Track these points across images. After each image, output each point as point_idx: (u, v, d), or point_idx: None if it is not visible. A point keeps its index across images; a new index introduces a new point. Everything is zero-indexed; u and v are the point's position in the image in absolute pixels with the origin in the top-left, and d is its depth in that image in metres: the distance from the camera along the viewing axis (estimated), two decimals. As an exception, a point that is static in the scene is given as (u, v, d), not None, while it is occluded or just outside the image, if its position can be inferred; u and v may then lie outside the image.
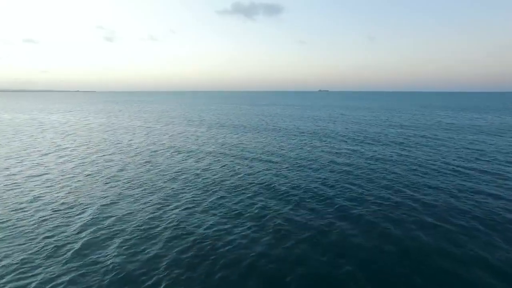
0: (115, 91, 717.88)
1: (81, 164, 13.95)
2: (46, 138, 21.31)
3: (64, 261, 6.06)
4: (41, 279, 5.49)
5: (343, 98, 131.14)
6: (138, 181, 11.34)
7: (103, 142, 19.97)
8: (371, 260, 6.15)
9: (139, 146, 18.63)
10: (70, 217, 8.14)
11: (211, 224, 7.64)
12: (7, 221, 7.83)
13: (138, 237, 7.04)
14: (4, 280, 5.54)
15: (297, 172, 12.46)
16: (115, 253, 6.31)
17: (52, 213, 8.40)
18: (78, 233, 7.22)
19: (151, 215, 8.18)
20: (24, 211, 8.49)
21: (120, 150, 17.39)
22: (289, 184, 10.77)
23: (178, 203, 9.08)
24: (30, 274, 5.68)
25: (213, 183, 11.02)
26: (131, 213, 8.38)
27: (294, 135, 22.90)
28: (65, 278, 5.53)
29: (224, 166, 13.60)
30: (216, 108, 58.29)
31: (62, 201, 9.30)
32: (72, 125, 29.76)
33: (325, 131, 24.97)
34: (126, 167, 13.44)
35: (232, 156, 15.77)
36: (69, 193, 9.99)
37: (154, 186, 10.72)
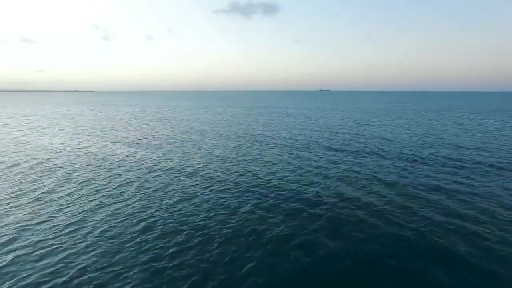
0: (114, 91, 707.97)
1: None
2: None
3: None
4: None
5: (348, 98, 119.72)
6: None
7: None
8: None
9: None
10: None
11: None
12: None
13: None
14: None
15: None
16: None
17: None
18: None
19: None
20: None
21: None
22: None
23: None
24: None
25: None
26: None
27: (308, 215, 11.63)
28: None
29: None
30: (202, 112, 47.12)
31: None
32: None
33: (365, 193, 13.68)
34: None
35: None
36: None
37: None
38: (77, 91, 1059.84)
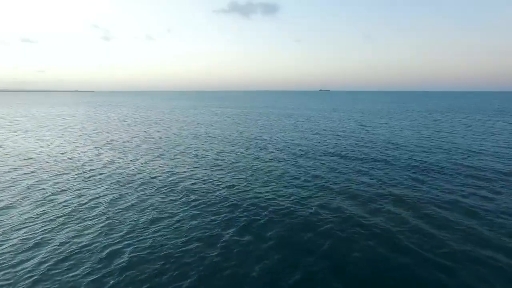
0: (114, 91, 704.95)
1: None
2: None
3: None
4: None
5: (349, 99, 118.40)
6: None
7: None
8: None
9: None
10: None
11: None
12: None
13: None
14: None
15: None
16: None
17: None
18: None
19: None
20: None
21: None
22: None
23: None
24: None
25: None
26: None
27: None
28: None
29: None
30: (199, 112, 45.77)
31: None
32: None
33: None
34: None
35: None
36: None
37: None
38: (77, 91, 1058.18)
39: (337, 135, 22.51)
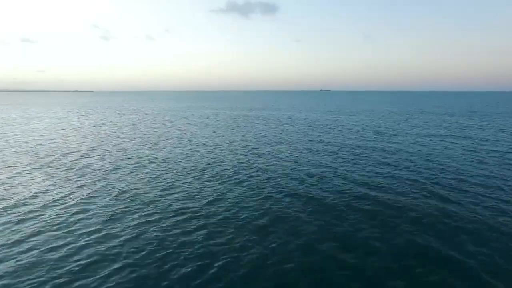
0: (114, 91, 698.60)
1: None
2: None
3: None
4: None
5: (351, 99, 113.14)
6: None
7: None
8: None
9: None
10: None
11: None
12: None
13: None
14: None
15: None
16: None
17: None
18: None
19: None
20: None
21: None
22: None
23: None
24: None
25: None
26: None
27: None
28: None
29: None
30: (190, 115, 40.59)
31: None
32: None
33: None
34: None
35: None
36: None
37: None
38: (77, 91, 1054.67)
39: (351, 151, 17.27)
